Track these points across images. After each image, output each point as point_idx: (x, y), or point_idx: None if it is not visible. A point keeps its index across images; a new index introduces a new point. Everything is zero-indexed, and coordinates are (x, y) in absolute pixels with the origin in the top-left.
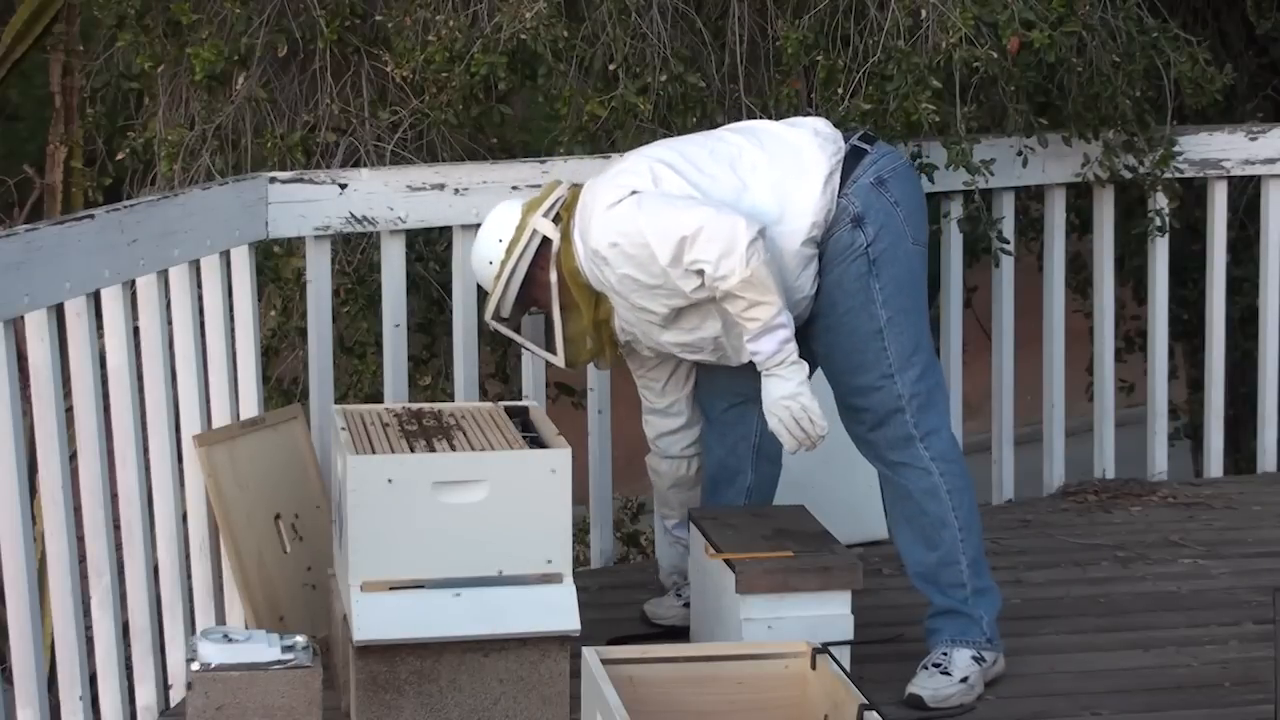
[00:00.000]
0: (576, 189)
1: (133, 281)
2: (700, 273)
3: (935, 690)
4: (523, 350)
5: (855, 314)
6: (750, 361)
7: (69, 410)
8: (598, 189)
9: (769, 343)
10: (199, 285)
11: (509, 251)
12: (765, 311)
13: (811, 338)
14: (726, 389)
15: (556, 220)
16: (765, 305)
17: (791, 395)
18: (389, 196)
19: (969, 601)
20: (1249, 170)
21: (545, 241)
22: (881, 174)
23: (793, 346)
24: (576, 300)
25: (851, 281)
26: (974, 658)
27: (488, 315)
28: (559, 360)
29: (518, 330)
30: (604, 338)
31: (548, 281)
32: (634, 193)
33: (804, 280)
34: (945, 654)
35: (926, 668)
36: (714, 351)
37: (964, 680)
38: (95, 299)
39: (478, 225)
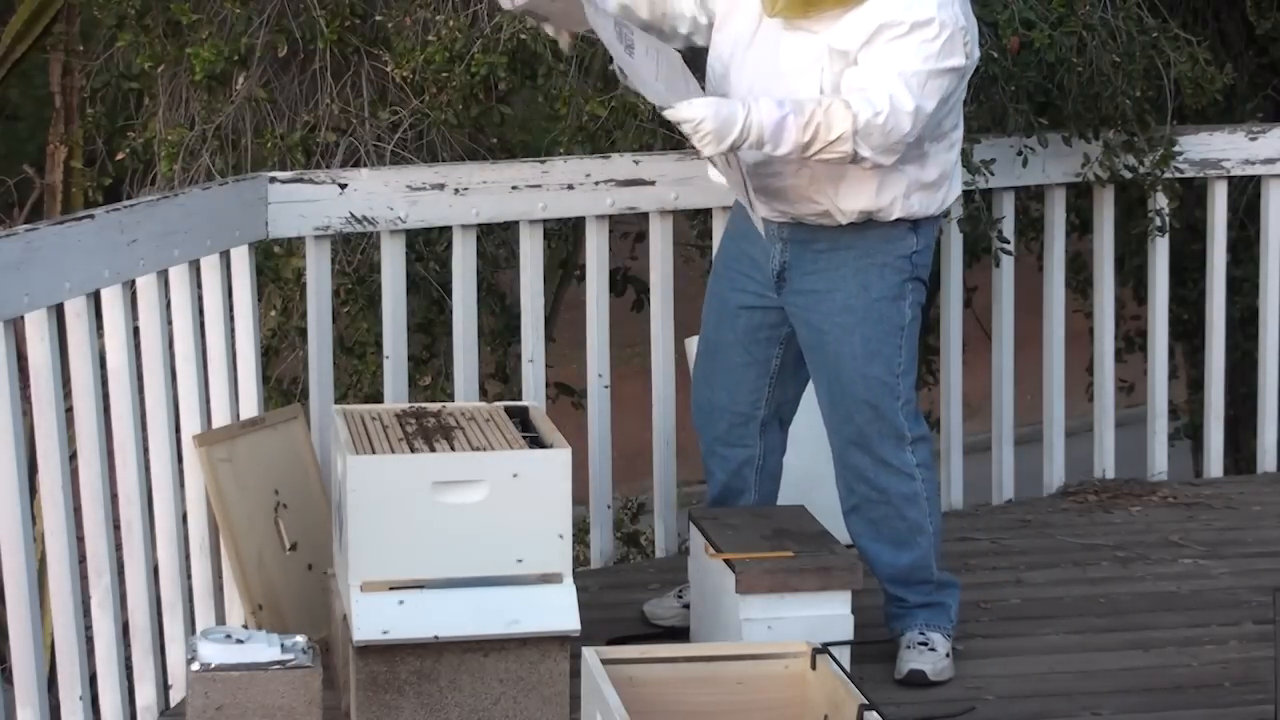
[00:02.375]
0: None
1: (133, 281)
2: (849, 104)
3: (933, 665)
4: (522, 349)
5: (887, 305)
6: (747, 377)
7: (69, 410)
8: (955, 7)
9: (788, 139)
10: (199, 285)
11: None
12: (814, 146)
13: (824, 314)
14: (727, 407)
15: None
16: (818, 146)
17: (747, 126)
18: (389, 196)
19: (936, 594)
20: (1249, 170)
21: None
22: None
23: (770, 147)
24: None
25: (893, 274)
26: (945, 636)
27: None
28: None
29: None
30: None
31: None
32: (951, 71)
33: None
34: (923, 634)
35: (911, 647)
36: (729, 80)
37: (948, 655)
38: (95, 299)
39: (478, 225)
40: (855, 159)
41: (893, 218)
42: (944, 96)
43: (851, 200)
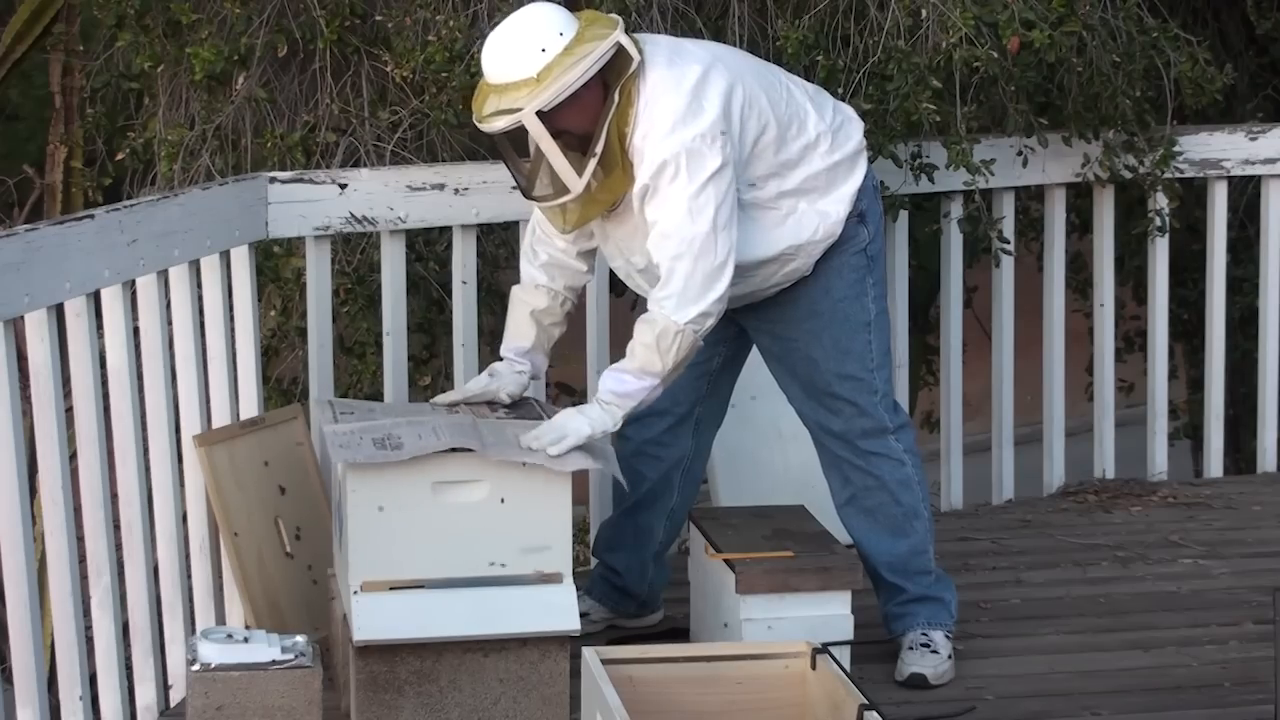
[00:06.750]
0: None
1: (133, 281)
2: (648, 311)
3: (934, 668)
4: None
5: (850, 303)
6: (688, 378)
7: (69, 410)
8: (687, 124)
9: (635, 384)
10: (199, 285)
11: (571, 50)
12: (655, 362)
13: (789, 322)
14: (668, 410)
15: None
16: (665, 354)
17: (589, 443)
18: (389, 196)
19: (934, 586)
20: (1249, 170)
21: (619, 59)
22: (876, 180)
23: (631, 406)
24: (615, 155)
25: (850, 272)
26: (946, 635)
27: (500, 122)
28: (577, 186)
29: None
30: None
31: (599, 104)
32: (712, 177)
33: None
34: (925, 634)
35: (913, 648)
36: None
37: (949, 656)
38: (95, 299)
39: (478, 225)
40: (702, 321)
41: (839, 219)
42: (719, 202)
43: (799, 259)
